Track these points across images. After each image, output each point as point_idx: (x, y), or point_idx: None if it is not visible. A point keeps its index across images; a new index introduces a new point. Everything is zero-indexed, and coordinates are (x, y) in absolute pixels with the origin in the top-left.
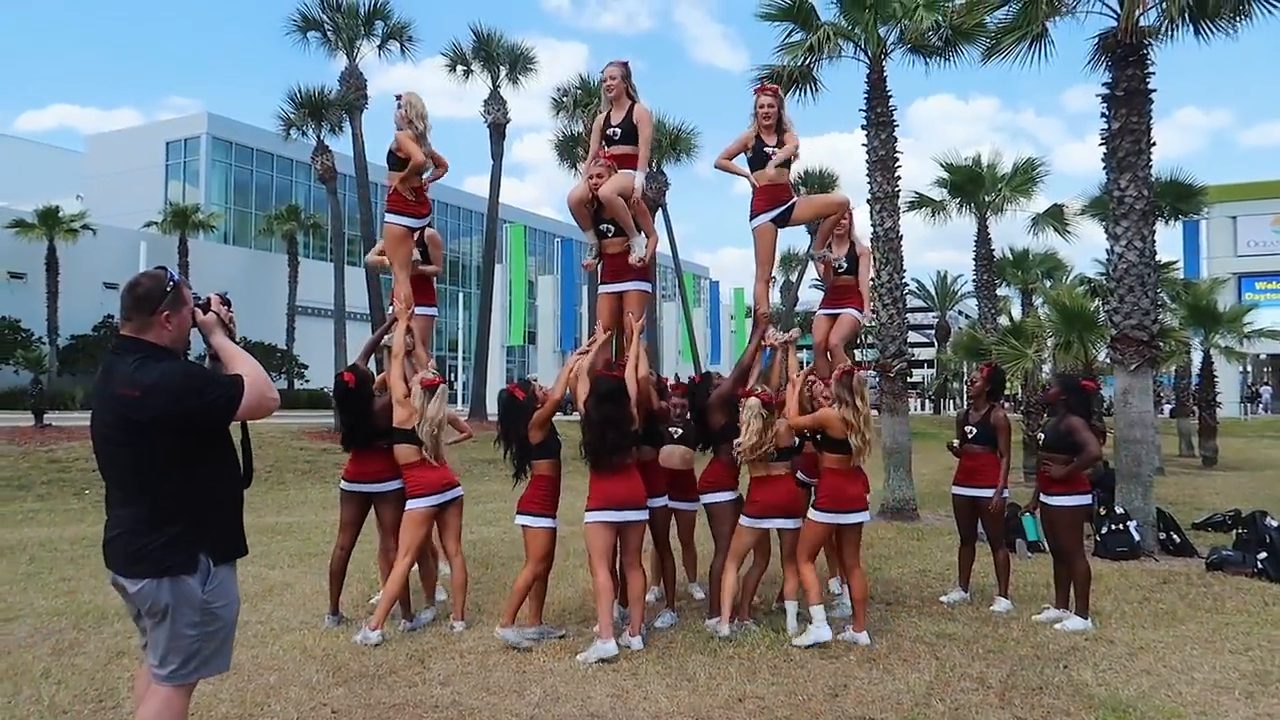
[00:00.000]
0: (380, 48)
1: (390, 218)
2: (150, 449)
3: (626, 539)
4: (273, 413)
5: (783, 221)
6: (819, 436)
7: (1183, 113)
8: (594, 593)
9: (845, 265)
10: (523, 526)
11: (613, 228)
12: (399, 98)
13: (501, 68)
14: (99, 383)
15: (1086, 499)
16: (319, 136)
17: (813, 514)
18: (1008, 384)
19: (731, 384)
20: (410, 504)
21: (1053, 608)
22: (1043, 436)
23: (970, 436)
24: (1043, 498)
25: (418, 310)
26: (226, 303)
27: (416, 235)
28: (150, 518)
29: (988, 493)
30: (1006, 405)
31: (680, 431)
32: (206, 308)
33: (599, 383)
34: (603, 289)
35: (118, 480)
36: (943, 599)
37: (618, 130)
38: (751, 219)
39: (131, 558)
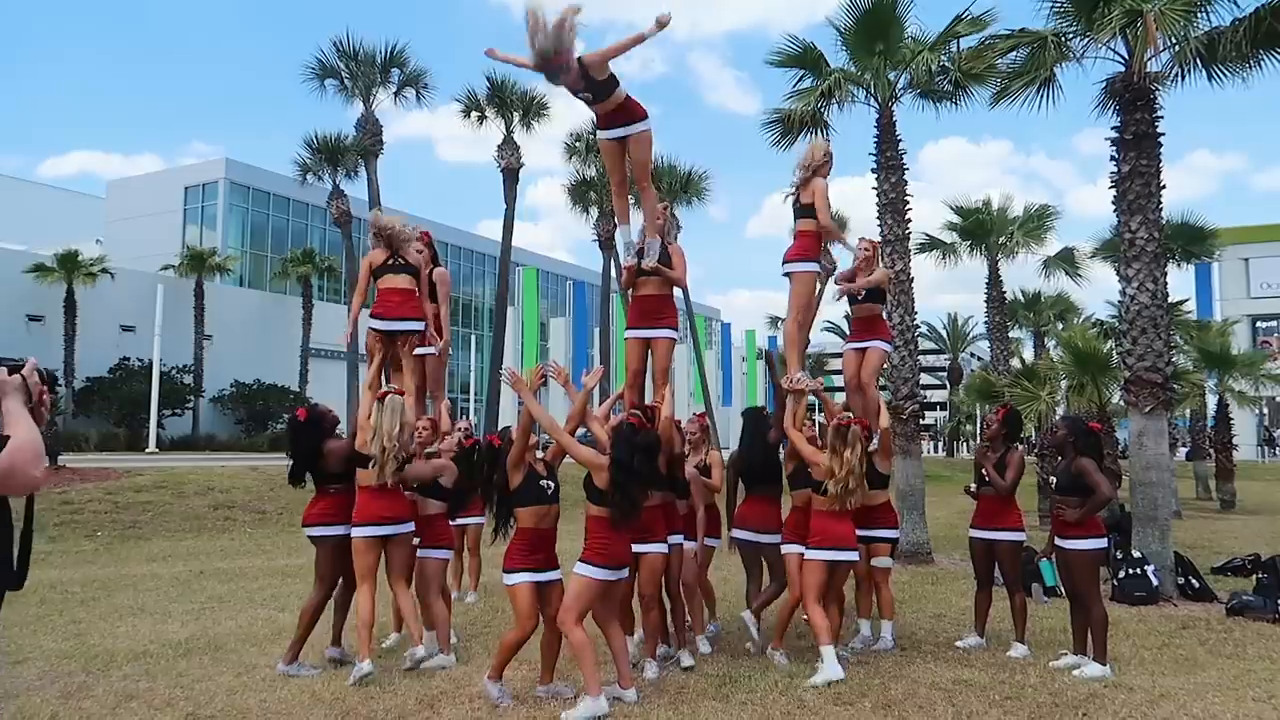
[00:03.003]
0: (396, 95)
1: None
2: None
3: (614, 594)
4: (36, 490)
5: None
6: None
7: (1195, 156)
8: (575, 651)
9: (864, 292)
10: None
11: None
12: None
13: (515, 113)
14: None
15: (1102, 542)
16: (335, 181)
17: (808, 554)
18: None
19: (779, 428)
20: (353, 532)
21: (1070, 654)
22: (1055, 480)
23: (988, 479)
24: (1058, 541)
25: (429, 350)
26: (48, 381)
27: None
28: None
29: (1005, 535)
30: (1020, 448)
31: None
32: (14, 370)
33: (636, 433)
34: (631, 333)
35: None
36: (958, 644)
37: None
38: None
39: None
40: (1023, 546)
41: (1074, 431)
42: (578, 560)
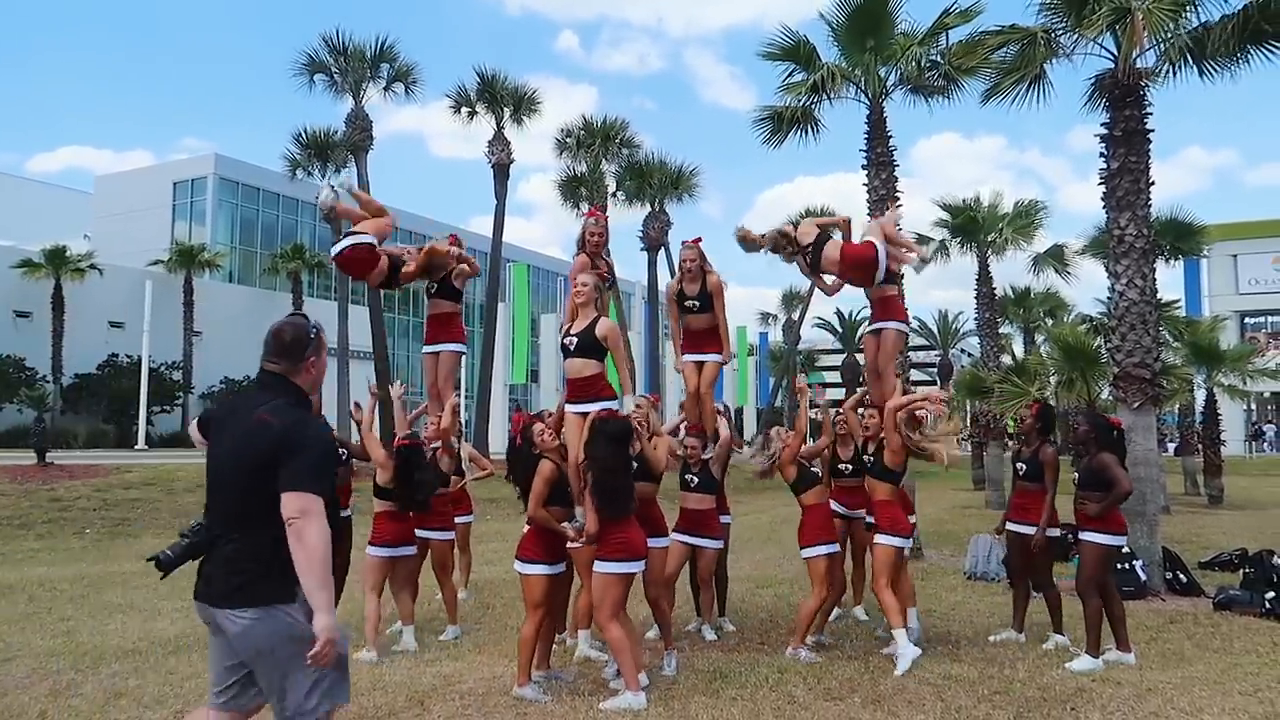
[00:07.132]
0: (386, 90)
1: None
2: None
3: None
4: None
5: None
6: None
7: (1188, 152)
8: (614, 648)
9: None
10: (519, 574)
11: (698, 304)
12: None
13: (505, 109)
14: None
15: (1120, 539)
16: (325, 177)
17: (886, 540)
18: (1013, 422)
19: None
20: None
21: (1114, 647)
22: (1077, 476)
23: (1021, 473)
24: (1080, 534)
25: (448, 348)
26: None
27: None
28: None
29: (1026, 529)
30: (1054, 445)
31: (697, 479)
32: None
33: (608, 425)
34: (687, 358)
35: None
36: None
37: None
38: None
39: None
40: (1055, 539)
41: (1096, 427)
42: (595, 559)
